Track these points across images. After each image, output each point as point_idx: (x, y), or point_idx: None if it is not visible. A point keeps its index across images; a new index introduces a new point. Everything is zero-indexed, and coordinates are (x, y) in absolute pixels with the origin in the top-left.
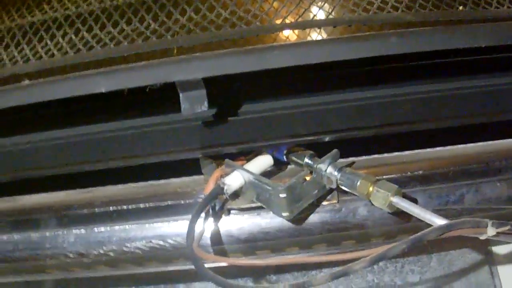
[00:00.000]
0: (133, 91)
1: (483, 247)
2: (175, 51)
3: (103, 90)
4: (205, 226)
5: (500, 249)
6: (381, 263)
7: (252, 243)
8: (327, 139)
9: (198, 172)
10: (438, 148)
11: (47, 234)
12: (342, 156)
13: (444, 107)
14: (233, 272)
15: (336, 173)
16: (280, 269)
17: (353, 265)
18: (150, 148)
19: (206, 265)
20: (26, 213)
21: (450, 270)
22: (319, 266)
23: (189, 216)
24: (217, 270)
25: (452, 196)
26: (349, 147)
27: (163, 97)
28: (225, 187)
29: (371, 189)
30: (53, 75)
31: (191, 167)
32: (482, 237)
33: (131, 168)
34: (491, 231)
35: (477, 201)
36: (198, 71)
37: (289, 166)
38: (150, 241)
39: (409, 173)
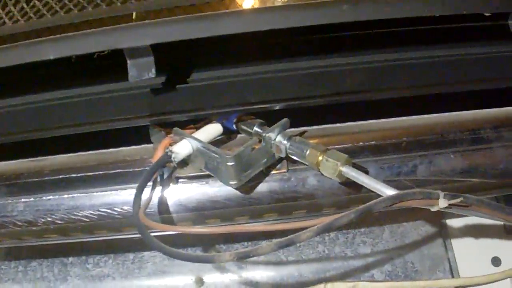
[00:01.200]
0: (81, 59)
1: (437, 220)
2: (125, 18)
3: (51, 57)
4: (153, 194)
5: (454, 222)
6: (332, 234)
7: (201, 211)
8: (277, 107)
9: (148, 140)
10: (392, 119)
11: None
12: (293, 126)
13: (397, 77)
14: (182, 241)
15: (285, 142)
16: (229, 239)
17: (299, 234)
18: (99, 116)
19: (155, 234)
20: None
21: (402, 242)
22: (269, 236)
23: (136, 185)
24: (166, 239)
25: (404, 167)
26: (301, 116)
27: (113, 64)
28: (173, 155)
29: (320, 158)
30: (3, 43)
31: (141, 136)
32: (434, 209)
33: (80, 136)
34: (442, 203)
35: (430, 173)
36: (145, 38)
37: (238, 135)
38: (98, 210)
39: (361, 143)
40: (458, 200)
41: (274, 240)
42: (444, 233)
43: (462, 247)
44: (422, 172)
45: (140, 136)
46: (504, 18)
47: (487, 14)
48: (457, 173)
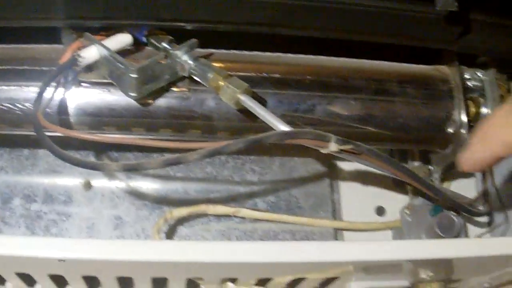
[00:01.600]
0: None
1: (328, 160)
2: None
3: None
4: (54, 95)
5: (344, 165)
6: (222, 157)
7: (98, 117)
8: (189, 27)
9: (59, 41)
10: (300, 55)
11: None
12: (203, 47)
13: (311, 16)
14: (77, 144)
15: (190, 61)
16: (123, 148)
17: (187, 155)
18: (12, 11)
19: (52, 135)
20: None
21: (290, 176)
22: (162, 151)
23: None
24: (61, 140)
25: (303, 105)
26: (211, 39)
27: None
28: (80, 59)
29: (221, 83)
30: None
31: (52, 36)
32: (323, 151)
33: None
34: (333, 147)
35: (327, 115)
36: None
37: (147, 48)
38: (1, 103)
39: (264, 74)
40: (349, 146)
41: (162, 157)
42: (333, 175)
43: (348, 191)
44: (320, 112)
45: (51, 36)
46: None
47: None
48: (354, 119)
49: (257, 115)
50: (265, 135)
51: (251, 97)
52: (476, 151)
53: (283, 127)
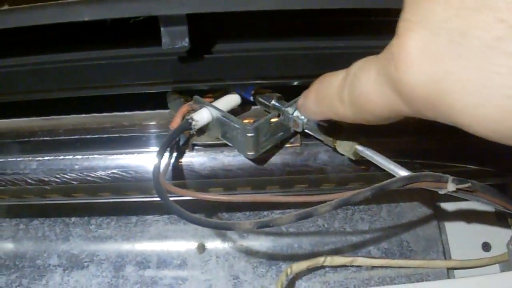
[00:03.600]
0: (114, 22)
1: (432, 202)
2: None
3: (86, 19)
4: (170, 160)
5: (447, 206)
6: None
7: (212, 179)
8: (295, 83)
9: (161, 106)
10: None
11: (9, 159)
12: None
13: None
14: (185, 207)
15: (303, 117)
16: (231, 207)
17: (318, 207)
18: (124, 79)
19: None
20: None
21: (399, 222)
22: (270, 207)
23: (150, 149)
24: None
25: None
26: None
27: (143, 30)
28: (193, 123)
29: None
30: (34, 2)
31: (155, 101)
32: (442, 192)
33: (94, 98)
34: (451, 187)
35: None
36: (182, 7)
37: (253, 107)
38: (113, 172)
39: None
40: (466, 185)
41: (294, 212)
42: (439, 216)
43: (454, 231)
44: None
45: (154, 101)
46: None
47: None
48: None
49: (376, 163)
50: (389, 182)
51: (368, 147)
52: (310, 106)
53: (403, 172)
